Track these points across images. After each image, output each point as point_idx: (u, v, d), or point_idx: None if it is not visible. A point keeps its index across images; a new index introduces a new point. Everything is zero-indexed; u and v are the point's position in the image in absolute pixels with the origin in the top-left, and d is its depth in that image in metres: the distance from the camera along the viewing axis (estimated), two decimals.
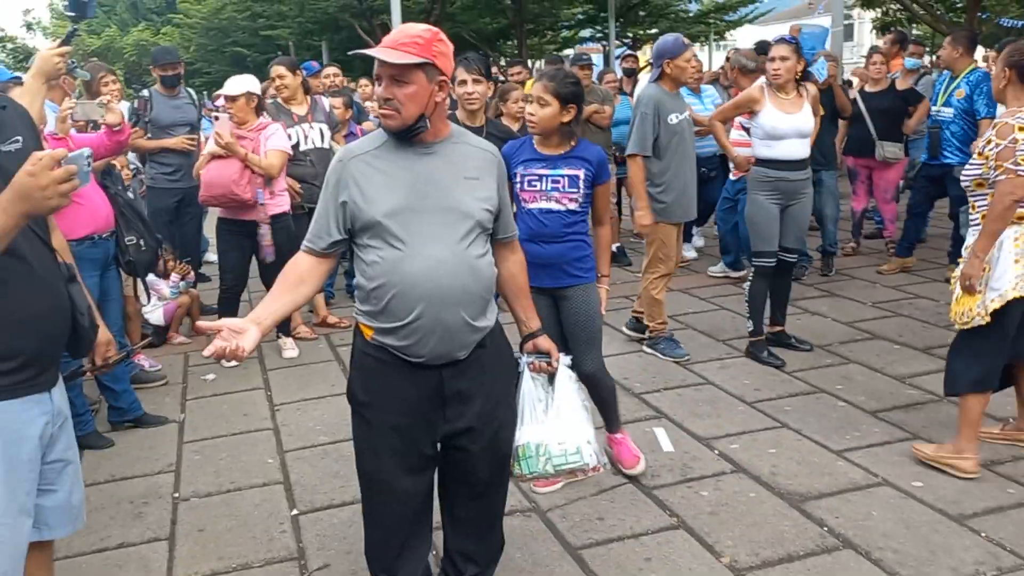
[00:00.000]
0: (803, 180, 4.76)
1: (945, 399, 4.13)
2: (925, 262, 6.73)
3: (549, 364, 2.52)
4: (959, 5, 16.48)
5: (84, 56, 27.35)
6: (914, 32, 16.39)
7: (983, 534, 2.98)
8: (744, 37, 20.47)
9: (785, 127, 4.64)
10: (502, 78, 8.99)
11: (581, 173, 3.22)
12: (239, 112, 4.99)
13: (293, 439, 4.07)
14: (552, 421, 2.51)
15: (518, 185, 3.28)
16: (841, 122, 6.99)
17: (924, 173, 6.33)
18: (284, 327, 5.38)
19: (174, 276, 5.64)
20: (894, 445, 3.71)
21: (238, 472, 3.75)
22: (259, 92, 5.09)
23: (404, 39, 2.09)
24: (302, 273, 2.23)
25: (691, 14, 23.24)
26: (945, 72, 6.21)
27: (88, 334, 2.16)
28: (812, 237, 6.47)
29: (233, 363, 4.96)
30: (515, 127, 5.87)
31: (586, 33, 24.99)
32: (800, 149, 4.70)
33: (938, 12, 17.19)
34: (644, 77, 7.63)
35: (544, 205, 3.24)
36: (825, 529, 3.07)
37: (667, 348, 4.93)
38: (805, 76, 4.81)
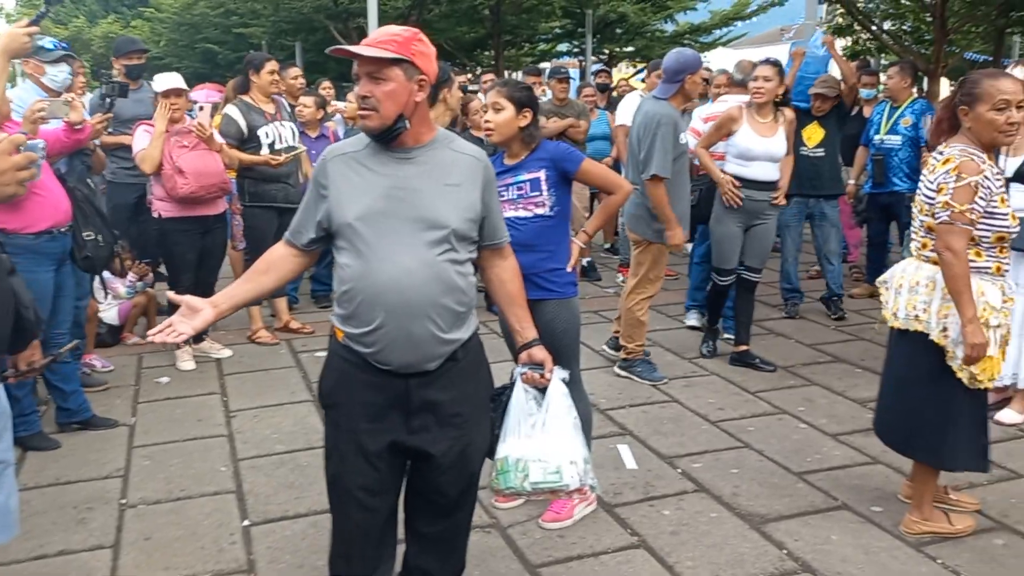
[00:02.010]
0: (769, 202, 4.88)
1: None
2: None
3: (542, 376, 2.42)
4: (927, 37, 16.84)
5: None
6: (883, 62, 16.71)
7: (939, 561, 2.98)
8: (718, 60, 20.71)
9: (758, 150, 4.75)
10: (472, 88, 8.98)
11: (542, 174, 3.13)
12: (183, 108, 4.91)
13: (248, 447, 3.96)
14: (538, 437, 2.39)
15: None
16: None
17: (873, 202, 6.44)
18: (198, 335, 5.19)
19: (131, 275, 5.50)
20: (853, 469, 3.71)
21: (189, 480, 3.64)
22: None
23: (382, 37, 2.07)
24: (271, 260, 2.25)
25: (667, 34, 23.46)
26: (883, 102, 6.45)
27: (32, 327, 2.08)
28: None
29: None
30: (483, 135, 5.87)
31: (563, 48, 25.11)
32: (770, 172, 4.82)
33: (907, 43, 17.56)
34: (629, 97, 7.48)
35: (514, 213, 3.17)
36: (785, 552, 3.05)
37: (645, 371, 4.86)
38: (784, 101, 4.87)
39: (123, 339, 5.54)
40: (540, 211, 3.15)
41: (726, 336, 5.48)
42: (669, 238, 4.61)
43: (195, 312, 2.10)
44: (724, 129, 4.87)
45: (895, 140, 6.13)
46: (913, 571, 2.92)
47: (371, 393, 2.15)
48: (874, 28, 16.90)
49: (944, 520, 3.17)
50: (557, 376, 2.45)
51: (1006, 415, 4.18)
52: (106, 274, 5.11)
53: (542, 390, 2.43)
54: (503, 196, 3.18)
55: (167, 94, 4.81)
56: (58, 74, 4.60)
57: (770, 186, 4.84)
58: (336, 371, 2.21)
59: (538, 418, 2.38)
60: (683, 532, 3.18)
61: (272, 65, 5.37)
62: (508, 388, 2.42)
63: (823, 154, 5.96)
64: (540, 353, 2.42)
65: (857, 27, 17.24)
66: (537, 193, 3.14)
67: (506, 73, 19.11)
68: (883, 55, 17.52)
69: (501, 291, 2.41)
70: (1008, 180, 4.01)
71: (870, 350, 5.35)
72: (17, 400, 3.59)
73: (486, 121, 3.14)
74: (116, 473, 3.71)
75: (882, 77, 8.37)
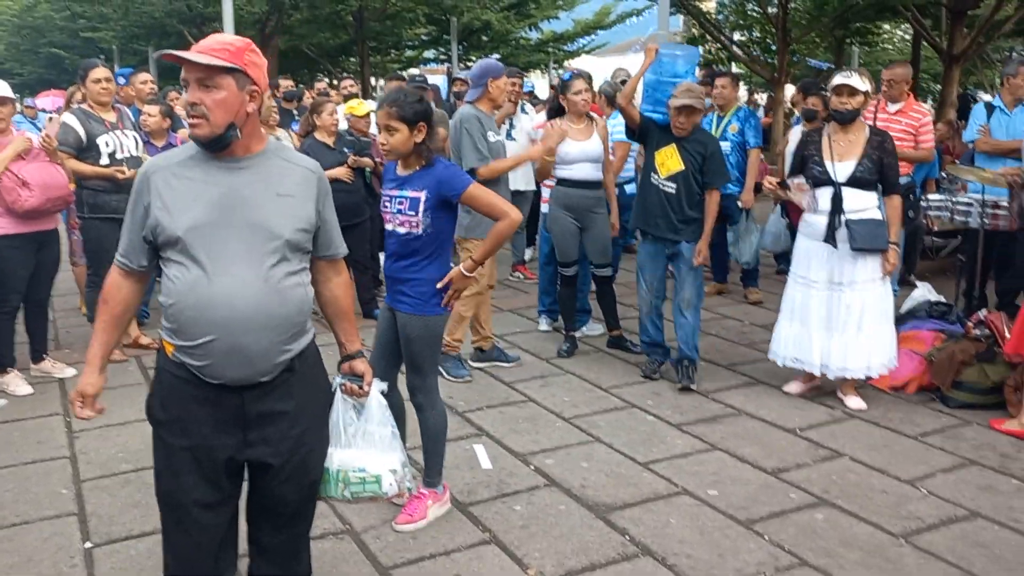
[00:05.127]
0: (595, 199, 5.28)
1: (743, 414, 4.45)
2: (733, 284, 7.21)
3: (360, 388, 2.47)
4: (772, 47, 17.91)
5: None
6: (734, 69, 17.65)
7: (766, 537, 3.22)
8: (583, 67, 21.36)
9: (576, 152, 5.18)
10: (332, 93, 8.95)
11: (422, 195, 3.12)
12: (9, 118, 4.69)
13: (92, 468, 3.82)
14: (358, 447, 2.45)
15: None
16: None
17: None
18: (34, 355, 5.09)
19: None
20: (694, 456, 3.94)
21: (26, 504, 3.47)
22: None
23: (214, 45, 2.06)
24: (126, 300, 2.24)
25: (532, 42, 23.96)
26: (711, 112, 6.59)
27: None
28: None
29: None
30: (330, 141, 5.90)
31: (430, 55, 25.19)
32: (591, 172, 5.25)
33: (754, 53, 18.62)
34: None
35: (391, 227, 3.22)
36: (627, 538, 3.22)
37: (452, 368, 4.95)
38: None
39: None
40: (413, 231, 3.16)
41: (588, 334, 5.77)
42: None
43: (94, 392, 2.25)
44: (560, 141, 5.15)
45: (724, 146, 6.33)
46: (743, 547, 3.15)
47: (205, 408, 2.12)
48: (724, 39, 17.86)
49: None
50: (376, 388, 2.51)
51: (853, 402, 4.51)
52: None
53: (362, 401, 2.49)
54: (386, 208, 3.23)
55: None
56: None
57: (594, 185, 5.24)
58: (166, 387, 2.17)
59: (357, 428, 2.44)
60: (532, 525, 3.31)
61: (98, 72, 5.12)
62: (330, 402, 2.45)
63: (673, 190, 4.73)
64: (361, 366, 2.47)
65: (709, 38, 18.17)
66: (413, 213, 3.14)
67: (372, 80, 18.99)
68: (732, 63, 18.51)
69: (333, 306, 2.43)
70: (840, 184, 4.36)
71: (714, 344, 5.68)
72: None
73: (381, 143, 3.12)
74: None
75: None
